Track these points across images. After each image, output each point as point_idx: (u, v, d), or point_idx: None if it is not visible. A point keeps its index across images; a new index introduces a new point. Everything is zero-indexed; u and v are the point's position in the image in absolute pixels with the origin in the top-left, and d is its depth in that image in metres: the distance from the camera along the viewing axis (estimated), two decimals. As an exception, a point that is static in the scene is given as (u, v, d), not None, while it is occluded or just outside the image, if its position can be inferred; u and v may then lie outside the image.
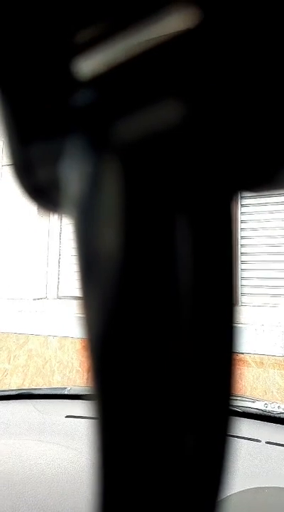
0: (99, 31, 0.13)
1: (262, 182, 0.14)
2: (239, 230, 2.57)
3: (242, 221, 2.57)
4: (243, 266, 2.56)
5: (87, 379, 0.15)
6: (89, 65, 0.14)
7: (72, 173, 0.15)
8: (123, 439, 0.14)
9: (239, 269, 2.56)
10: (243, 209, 2.57)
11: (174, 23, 0.13)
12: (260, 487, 0.65)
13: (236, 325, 0.14)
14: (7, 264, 3.13)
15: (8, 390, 1.11)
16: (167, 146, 0.13)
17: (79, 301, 0.15)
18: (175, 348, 0.14)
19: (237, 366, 0.15)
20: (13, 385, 2.93)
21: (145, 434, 0.14)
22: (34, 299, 3.02)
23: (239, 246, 2.56)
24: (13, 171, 0.17)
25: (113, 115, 0.14)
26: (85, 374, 0.15)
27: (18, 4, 0.14)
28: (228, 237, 0.14)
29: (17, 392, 1.10)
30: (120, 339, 0.14)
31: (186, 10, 0.12)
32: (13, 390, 1.14)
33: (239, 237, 2.57)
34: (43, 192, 0.17)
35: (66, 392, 1.01)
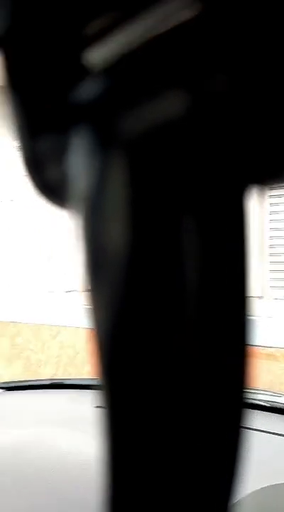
0: (106, 22, 0.13)
1: (275, 175, 0.14)
2: (268, 222, 2.51)
3: (272, 212, 2.51)
4: (272, 259, 2.51)
5: (95, 371, 0.15)
6: (97, 56, 0.14)
7: (80, 168, 0.14)
8: (133, 432, 0.14)
9: (267, 262, 2.50)
10: (272, 200, 2.51)
11: (180, 12, 0.12)
12: (287, 482, 0.64)
13: (250, 318, 0.14)
14: (39, 257, 3.19)
15: (41, 380, 1.14)
16: (175, 138, 0.13)
17: (87, 295, 0.15)
18: (184, 340, 0.13)
19: (252, 360, 0.14)
20: (46, 375, 3.00)
21: (156, 428, 0.14)
22: (66, 292, 3.08)
23: (267, 238, 2.50)
24: (24, 167, 0.17)
25: (121, 108, 0.14)
26: (93, 367, 0.15)
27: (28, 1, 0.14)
28: (240, 229, 0.14)
29: (50, 382, 1.13)
30: (129, 332, 0.14)
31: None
32: (46, 380, 1.17)
33: (268, 229, 2.51)
34: (54, 187, 0.17)
35: (96, 383, 1.03)
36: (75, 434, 0.76)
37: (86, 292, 0.15)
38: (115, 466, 0.15)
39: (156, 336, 0.14)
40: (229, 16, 0.12)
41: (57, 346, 3.04)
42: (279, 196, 2.48)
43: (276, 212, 2.50)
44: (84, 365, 2.87)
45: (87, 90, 0.14)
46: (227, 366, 0.14)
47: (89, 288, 0.15)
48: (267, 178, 0.14)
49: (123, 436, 0.15)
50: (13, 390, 1.09)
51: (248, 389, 0.14)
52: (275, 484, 0.63)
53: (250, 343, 0.14)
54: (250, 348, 0.14)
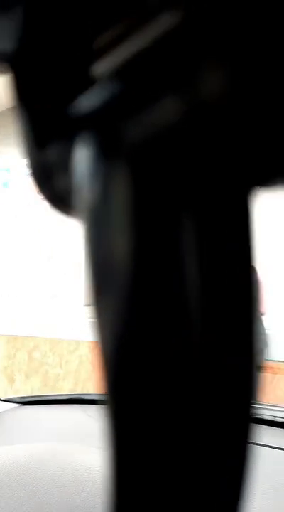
0: (113, 34, 0.13)
1: (280, 176, 0.13)
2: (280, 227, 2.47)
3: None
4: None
5: (100, 385, 0.14)
6: (101, 65, 0.14)
7: (84, 177, 0.15)
8: (138, 446, 0.14)
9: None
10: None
11: (175, 19, 0.12)
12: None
13: (257, 327, 0.14)
14: (59, 272, 3.23)
15: (60, 394, 1.14)
16: (177, 144, 0.13)
17: (91, 306, 0.15)
18: (189, 352, 0.13)
19: (264, 373, 0.14)
20: (65, 389, 3.00)
21: (160, 442, 0.14)
22: (84, 306, 3.09)
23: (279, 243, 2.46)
24: (32, 177, 0.17)
25: (125, 116, 0.14)
26: (98, 380, 0.15)
27: (34, 11, 0.14)
28: (246, 236, 0.14)
29: (68, 397, 1.13)
30: (135, 345, 0.14)
31: (187, 6, 0.12)
32: (64, 395, 1.16)
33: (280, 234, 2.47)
34: (62, 197, 0.17)
35: (102, 397, 1.02)
36: (92, 450, 0.74)
37: (91, 304, 0.15)
38: (119, 480, 0.15)
39: (163, 346, 0.14)
40: (223, 21, 0.12)
41: (76, 361, 3.04)
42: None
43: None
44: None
45: (91, 100, 0.15)
46: (235, 379, 0.14)
47: (94, 298, 0.15)
48: (272, 181, 0.14)
49: (127, 449, 0.14)
50: (30, 404, 1.08)
51: (257, 402, 0.14)
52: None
53: (259, 352, 0.14)
54: (260, 360, 0.14)
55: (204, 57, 0.12)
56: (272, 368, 2.18)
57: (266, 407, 0.92)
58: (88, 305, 0.15)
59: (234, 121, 0.13)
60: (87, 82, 0.14)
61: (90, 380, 2.93)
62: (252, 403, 0.14)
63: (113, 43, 0.14)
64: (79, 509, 0.57)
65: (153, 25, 0.13)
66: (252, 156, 0.13)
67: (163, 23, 0.12)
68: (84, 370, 2.99)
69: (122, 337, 0.14)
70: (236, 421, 0.14)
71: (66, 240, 3.14)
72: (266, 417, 0.86)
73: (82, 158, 0.15)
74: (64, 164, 0.16)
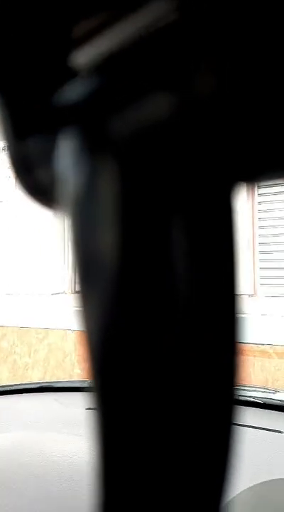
0: (93, 24, 0.13)
1: (263, 172, 0.14)
2: (257, 220, 2.53)
3: (260, 211, 2.53)
4: (262, 256, 2.53)
5: (86, 372, 0.15)
6: (84, 57, 0.14)
7: (68, 171, 0.14)
8: (124, 432, 0.14)
9: (257, 260, 2.52)
10: (261, 198, 2.54)
11: (165, 13, 0.12)
12: (282, 478, 0.64)
13: (240, 316, 0.14)
14: (25, 259, 3.17)
15: (29, 384, 1.13)
16: (164, 140, 0.13)
17: (77, 298, 0.15)
18: (175, 341, 0.13)
19: (245, 357, 0.14)
20: (34, 378, 2.97)
21: (147, 427, 0.14)
22: (52, 294, 3.06)
23: (257, 236, 2.53)
24: (12, 169, 0.17)
25: (109, 109, 0.14)
26: (84, 367, 0.15)
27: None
28: (230, 229, 0.14)
29: (38, 386, 1.12)
30: (120, 335, 0.14)
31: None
32: (34, 383, 1.15)
33: (257, 227, 2.53)
34: (44, 191, 0.17)
35: (86, 385, 1.02)
36: (65, 437, 0.75)
37: (77, 295, 0.15)
38: (107, 466, 0.15)
39: (148, 337, 0.14)
40: (216, 16, 0.12)
41: (45, 349, 3.01)
42: (268, 194, 2.51)
43: (265, 210, 2.53)
44: (74, 367, 2.86)
45: (74, 92, 0.14)
46: (218, 365, 0.14)
47: (80, 290, 0.15)
48: (256, 177, 0.14)
49: (115, 436, 0.14)
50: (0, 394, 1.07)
51: (240, 386, 0.14)
52: (270, 480, 0.63)
53: (241, 341, 0.14)
54: (240, 346, 0.14)
55: (199, 51, 0.12)
56: (248, 350, 2.26)
57: (243, 388, 0.95)
58: (75, 295, 0.15)
59: (225, 117, 0.13)
60: (69, 73, 0.14)
61: (59, 368, 2.91)
62: (235, 386, 0.14)
63: (95, 32, 0.13)
64: (52, 496, 0.57)
65: (144, 13, 0.12)
66: (240, 151, 0.13)
67: (156, 11, 0.12)
68: (53, 358, 2.97)
69: (108, 328, 0.14)
70: (220, 404, 0.14)
71: (35, 228, 3.08)
72: (242, 398, 0.89)
73: (66, 151, 0.14)
74: (46, 157, 0.15)
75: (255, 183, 0.15)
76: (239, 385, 0.14)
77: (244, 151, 0.13)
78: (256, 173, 0.14)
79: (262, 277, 2.53)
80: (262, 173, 0.14)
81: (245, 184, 0.14)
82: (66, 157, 0.14)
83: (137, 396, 0.14)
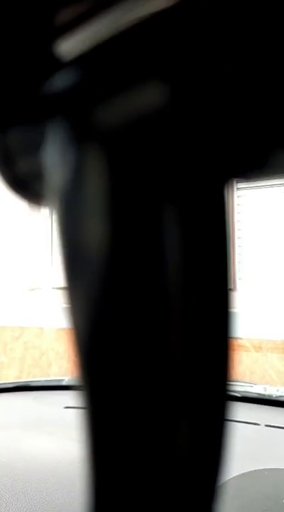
0: (79, 11, 0.13)
1: (253, 168, 0.14)
2: (236, 215, 2.56)
3: (239, 204, 2.57)
4: (240, 250, 2.57)
5: (75, 370, 0.14)
6: (70, 46, 0.13)
7: (54, 162, 0.14)
8: (114, 428, 0.14)
9: (237, 254, 2.56)
10: (239, 192, 2.57)
11: (154, 2, 0.12)
12: (260, 469, 0.65)
13: (231, 310, 0.14)
14: (0, 255, 3.11)
15: (5, 383, 1.11)
16: (154, 131, 0.13)
17: (64, 292, 0.14)
18: (166, 335, 0.13)
19: (234, 351, 0.14)
20: (10, 377, 2.93)
21: (137, 422, 0.14)
22: (28, 290, 3.01)
23: (236, 230, 2.56)
24: None
25: (96, 99, 0.13)
26: (72, 365, 0.14)
27: None
28: (221, 223, 0.14)
29: (14, 385, 1.10)
30: (108, 329, 0.13)
31: None
32: (10, 383, 1.13)
33: (236, 222, 2.57)
34: (25, 183, 0.16)
35: (64, 383, 1.01)
36: (43, 437, 0.73)
37: (64, 290, 0.14)
38: (99, 463, 0.14)
39: (138, 331, 0.13)
40: (206, 7, 0.12)
41: (21, 348, 2.97)
42: (242, 189, 2.55)
43: (242, 205, 2.56)
44: (50, 366, 2.83)
45: (60, 82, 0.14)
46: (211, 361, 0.14)
47: (67, 286, 0.14)
48: (247, 172, 0.14)
49: (106, 433, 0.14)
50: (-26, 394, 1.04)
51: (232, 381, 0.14)
52: (248, 472, 0.63)
53: (233, 335, 0.14)
54: (233, 340, 0.14)
55: (190, 40, 0.12)
56: (238, 344, 2.30)
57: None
58: (56, 290, 0.14)
59: (213, 110, 0.12)
60: (55, 63, 0.14)
61: (36, 366, 2.88)
62: (228, 381, 0.14)
63: (81, 20, 0.13)
64: (30, 496, 0.56)
65: (130, 5, 0.12)
66: (230, 145, 0.13)
67: (143, 4, 0.12)
68: (29, 357, 2.93)
69: (95, 324, 0.14)
70: (213, 400, 0.14)
71: (12, 222, 3.02)
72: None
73: (53, 142, 0.14)
74: (30, 148, 0.15)
75: (249, 178, 0.14)
76: (232, 380, 0.14)
77: (238, 145, 0.13)
78: (250, 169, 0.14)
79: (240, 271, 2.57)
80: (255, 169, 0.14)
81: (236, 179, 0.14)
82: (53, 147, 0.14)
83: (127, 392, 0.14)
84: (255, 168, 0.14)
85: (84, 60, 0.13)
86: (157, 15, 0.12)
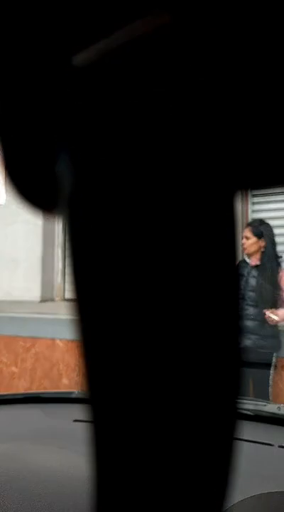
0: (94, 29, 0.13)
1: (267, 180, 0.14)
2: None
3: (254, 211, 2.57)
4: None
5: (82, 382, 0.14)
6: (83, 59, 0.13)
7: (68, 175, 0.14)
8: (120, 442, 0.14)
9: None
10: (254, 200, 2.57)
11: (158, 18, 0.12)
12: (274, 491, 0.63)
13: (241, 323, 0.14)
14: (14, 266, 3.13)
15: (15, 394, 1.10)
16: (166, 144, 0.13)
17: (73, 303, 0.14)
18: (173, 348, 0.13)
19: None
20: (20, 388, 2.93)
21: (143, 437, 0.13)
22: (40, 302, 3.02)
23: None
24: (6, 175, 0.16)
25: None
26: (82, 378, 0.14)
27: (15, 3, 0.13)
28: (231, 234, 0.14)
29: (24, 396, 1.10)
30: (116, 340, 0.13)
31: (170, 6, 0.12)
32: (20, 394, 1.13)
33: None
34: (37, 194, 0.16)
35: (74, 396, 1.00)
36: (51, 449, 0.73)
37: (72, 303, 0.14)
38: (104, 477, 0.14)
39: (144, 343, 0.13)
40: (202, 22, 0.12)
41: (32, 359, 2.97)
42: (260, 196, 2.55)
43: (256, 212, 2.55)
44: (61, 378, 2.82)
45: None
46: (220, 374, 0.14)
47: (75, 296, 0.14)
48: (261, 184, 0.14)
49: (111, 448, 0.14)
50: (-16, 404, 1.04)
51: (240, 398, 0.14)
52: (261, 494, 0.62)
53: (243, 351, 0.14)
54: (241, 357, 0.14)
55: (203, 59, 0.12)
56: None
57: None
58: (65, 302, 0.14)
59: (222, 122, 0.12)
60: (68, 74, 0.14)
61: (46, 378, 2.87)
62: (236, 399, 0.14)
63: (97, 35, 0.13)
64: (37, 509, 0.56)
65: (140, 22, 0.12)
66: (242, 157, 0.13)
67: (151, 20, 0.12)
68: (40, 368, 2.93)
69: (104, 336, 0.13)
70: (220, 418, 0.14)
71: (24, 233, 3.06)
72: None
73: (66, 156, 0.14)
74: (43, 162, 0.15)
75: (261, 190, 0.14)
76: (238, 396, 0.14)
77: (250, 158, 0.13)
78: (263, 181, 0.14)
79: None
80: (268, 181, 0.14)
81: (248, 190, 0.14)
82: (66, 161, 0.14)
83: (132, 399, 0.13)
84: (272, 179, 0.14)
85: (99, 73, 0.13)
86: (165, 32, 0.12)
